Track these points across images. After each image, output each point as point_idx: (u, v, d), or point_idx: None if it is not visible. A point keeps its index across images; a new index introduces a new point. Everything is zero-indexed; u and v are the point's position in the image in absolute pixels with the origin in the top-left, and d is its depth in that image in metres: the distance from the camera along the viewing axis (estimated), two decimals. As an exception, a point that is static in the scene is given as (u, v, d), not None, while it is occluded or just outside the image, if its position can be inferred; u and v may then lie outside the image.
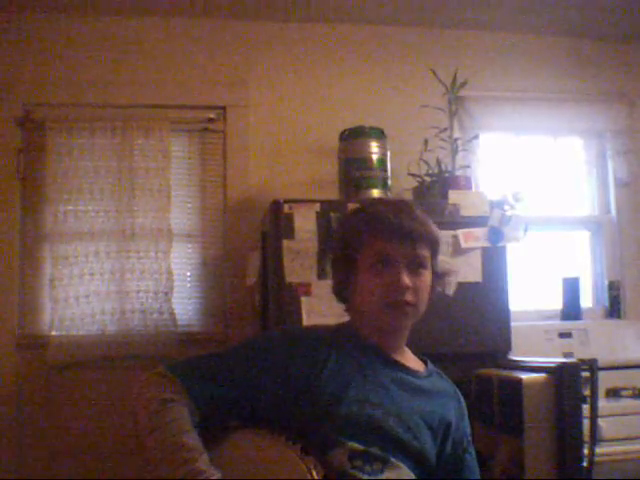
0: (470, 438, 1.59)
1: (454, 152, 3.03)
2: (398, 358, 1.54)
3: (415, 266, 1.48)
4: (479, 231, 2.66)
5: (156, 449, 1.30)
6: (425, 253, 1.50)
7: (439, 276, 1.56)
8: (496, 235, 2.67)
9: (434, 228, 1.54)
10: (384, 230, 1.47)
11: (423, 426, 1.46)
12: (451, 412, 1.54)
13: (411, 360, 1.58)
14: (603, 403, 2.46)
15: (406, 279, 1.46)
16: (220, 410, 1.41)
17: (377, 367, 1.48)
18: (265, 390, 1.41)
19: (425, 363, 1.61)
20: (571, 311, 3.27)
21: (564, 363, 2.24)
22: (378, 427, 1.40)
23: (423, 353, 1.64)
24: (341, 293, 1.57)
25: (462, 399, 1.61)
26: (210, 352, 1.51)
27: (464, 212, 2.71)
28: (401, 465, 1.39)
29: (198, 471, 1.26)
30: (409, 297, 1.46)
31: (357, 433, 1.38)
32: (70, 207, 3.06)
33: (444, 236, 2.58)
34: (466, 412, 1.60)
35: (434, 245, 1.53)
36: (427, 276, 1.51)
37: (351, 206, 1.67)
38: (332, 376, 1.42)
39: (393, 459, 1.38)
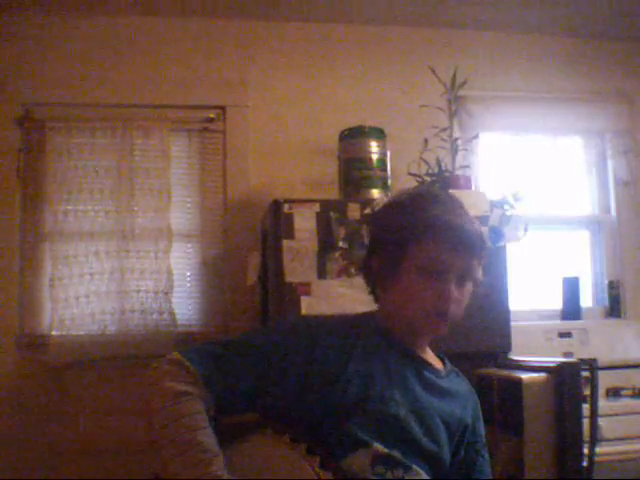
0: (484, 440, 1.54)
1: (454, 152, 3.02)
2: (422, 355, 1.51)
3: (463, 278, 1.43)
4: (479, 231, 2.65)
5: (169, 445, 1.26)
6: (476, 265, 1.44)
7: (477, 283, 1.49)
8: (496, 235, 2.67)
9: (484, 234, 1.48)
10: (446, 237, 1.39)
11: (442, 428, 1.42)
12: (468, 414, 1.50)
13: (432, 358, 1.54)
14: (603, 402, 2.47)
15: (455, 292, 1.41)
16: (238, 402, 1.37)
17: (401, 362, 1.44)
18: (287, 384, 1.36)
19: (443, 361, 1.57)
20: (571, 311, 3.28)
21: (564, 363, 2.24)
22: (401, 427, 1.36)
23: (441, 352, 1.59)
24: (374, 283, 1.51)
25: (477, 399, 1.57)
26: (227, 339, 1.45)
27: (464, 212, 2.71)
28: (420, 472, 1.36)
29: (212, 474, 1.22)
30: (452, 309, 1.42)
31: (381, 432, 1.34)
32: (70, 207, 3.07)
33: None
34: (481, 413, 1.56)
35: (484, 255, 1.46)
36: (470, 286, 1.46)
37: (397, 196, 1.53)
38: (357, 370, 1.38)
39: (414, 465, 1.35)
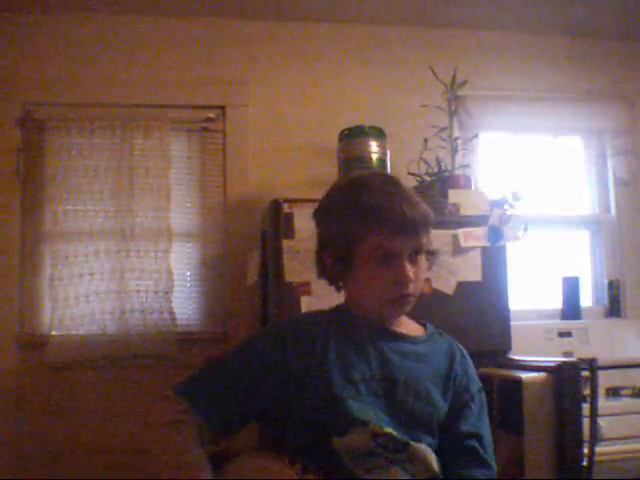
0: (476, 393, 1.55)
1: (454, 151, 3.03)
2: (396, 328, 1.54)
3: (415, 254, 1.47)
4: (479, 230, 2.66)
5: (162, 468, 1.33)
6: (424, 240, 1.47)
7: (431, 253, 1.54)
8: (496, 234, 2.67)
9: (427, 208, 1.49)
10: (388, 224, 1.42)
11: (433, 390, 1.47)
12: (457, 366, 1.54)
13: (410, 327, 1.57)
14: (603, 402, 2.46)
15: (410, 273, 1.44)
16: (232, 421, 1.44)
17: (378, 341, 1.48)
18: (272, 390, 1.42)
19: (425, 326, 1.60)
20: (571, 310, 3.27)
21: (564, 362, 2.24)
22: (390, 401, 1.41)
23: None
24: (334, 281, 1.55)
25: (465, 353, 1.59)
26: (211, 364, 1.53)
27: (464, 211, 2.71)
28: (417, 447, 1.40)
29: None
30: (411, 289, 1.46)
31: (375, 410, 1.39)
32: (70, 207, 3.07)
33: (444, 236, 2.62)
34: (470, 366, 1.58)
35: (429, 227, 1.50)
36: (423, 259, 1.49)
37: (332, 190, 1.57)
38: (336, 360, 1.43)
39: (411, 442, 1.39)
